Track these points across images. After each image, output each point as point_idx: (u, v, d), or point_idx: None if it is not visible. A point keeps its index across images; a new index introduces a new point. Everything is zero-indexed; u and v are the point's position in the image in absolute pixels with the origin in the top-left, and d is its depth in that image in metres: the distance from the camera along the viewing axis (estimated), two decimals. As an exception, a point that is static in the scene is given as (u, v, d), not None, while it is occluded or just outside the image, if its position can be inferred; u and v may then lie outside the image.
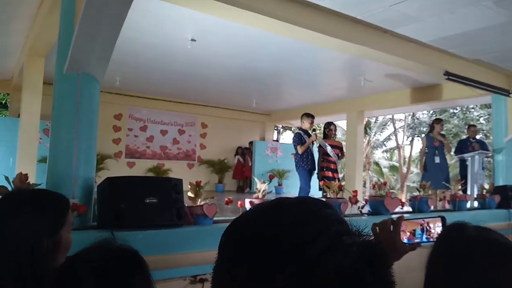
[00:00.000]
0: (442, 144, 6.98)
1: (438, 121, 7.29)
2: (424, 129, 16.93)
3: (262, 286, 0.37)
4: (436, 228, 1.17)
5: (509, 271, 0.79)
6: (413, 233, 1.18)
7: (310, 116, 6.07)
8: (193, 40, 5.61)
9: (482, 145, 7.15)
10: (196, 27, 5.30)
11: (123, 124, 10.48)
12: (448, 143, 7.13)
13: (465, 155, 6.21)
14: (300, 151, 5.86)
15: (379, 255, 0.41)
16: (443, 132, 7.32)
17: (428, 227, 1.17)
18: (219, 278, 0.43)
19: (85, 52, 2.36)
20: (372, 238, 0.42)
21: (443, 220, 1.17)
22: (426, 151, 7.11)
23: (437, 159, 6.91)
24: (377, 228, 1.19)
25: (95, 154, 2.84)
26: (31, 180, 2.35)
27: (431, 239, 1.16)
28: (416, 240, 1.18)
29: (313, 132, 6.14)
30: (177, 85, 8.95)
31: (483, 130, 14.39)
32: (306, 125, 6.02)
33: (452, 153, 7.52)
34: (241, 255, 0.41)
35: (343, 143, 7.98)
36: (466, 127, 8.48)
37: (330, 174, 6.01)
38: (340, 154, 6.27)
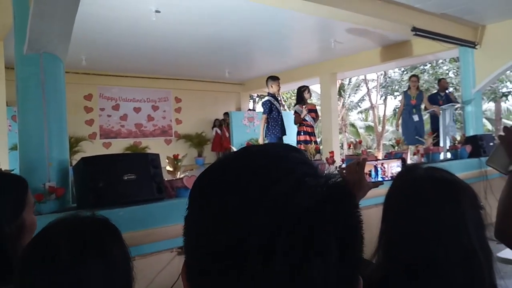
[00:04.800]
0: (419, 102, 7.14)
1: (410, 77, 7.44)
2: (397, 87, 17.19)
3: (228, 227, 0.38)
4: (393, 168, 1.32)
5: (454, 205, 0.86)
6: (369, 173, 1.33)
7: (276, 78, 5.94)
8: (157, 11, 5.45)
9: (451, 98, 7.34)
10: (159, -2, 5.14)
11: (94, 105, 10.23)
12: (427, 102, 7.27)
13: (434, 108, 6.37)
14: (263, 120, 5.79)
15: (344, 194, 0.42)
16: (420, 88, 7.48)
17: (382, 168, 1.32)
18: (188, 224, 0.43)
19: (44, 31, 2.26)
20: (339, 179, 0.43)
21: (403, 160, 1.32)
22: (403, 109, 7.28)
23: (415, 117, 7.08)
24: (344, 171, 1.33)
25: (67, 135, 2.78)
26: (4, 168, 2.30)
27: (387, 178, 1.31)
28: (372, 179, 1.33)
29: (281, 101, 6.06)
30: (146, 60, 8.74)
31: (453, 84, 14.70)
32: (274, 88, 5.90)
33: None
34: (209, 200, 0.41)
35: (318, 107, 8.04)
36: (436, 82, 8.65)
37: (307, 137, 6.08)
38: (315, 117, 6.33)
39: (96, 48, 7.37)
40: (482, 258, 0.83)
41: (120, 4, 5.24)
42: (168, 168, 3.06)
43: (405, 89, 8.00)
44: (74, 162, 2.86)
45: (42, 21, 2.22)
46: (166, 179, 2.84)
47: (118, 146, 10.43)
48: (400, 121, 7.51)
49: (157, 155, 2.78)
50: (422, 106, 7.37)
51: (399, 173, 1.01)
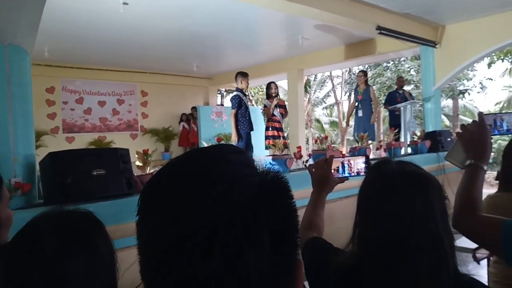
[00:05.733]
0: (366, 98, 7.37)
1: (359, 73, 7.67)
2: (361, 84, 17.59)
3: (171, 227, 0.43)
4: (358, 164, 1.44)
5: (423, 196, 0.93)
6: (336, 169, 1.44)
7: (245, 74, 6.01)
8: (125, 3, 5.33)
9: (410, 95, 7.65)
10: (127, -10, 5.05)
11: (57, 98, 9.88)
12: (375, 97, 7.56)
13: (397, 105, 6.61)
14: (232, 116, 5.84)
15: (277, 189, 0.48)
16: (370, 84, 7.70)
17: (349, 164, 1.43)
18: (139, 225, 0.48)
19: (10, 22, 2.19)
20: (275, 174, 0.48)
21: (366, 157, 1.44)
22: (356, 105, 7.51)
23: (359, 113, 7.31)
24: (312, 168, 1.42)
25: (33, 129, 2.72)
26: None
27: (353, 174, 1.44)
28: (339, 175, 1.44)
29: (249, 97, 6.12)
30: (112, 52, 8.52)
31: (414, 81, 15.21)
32: (243, 84, 5.96)
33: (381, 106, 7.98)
34: (156, 202, 0.46)
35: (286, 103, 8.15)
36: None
37: (275, 133, 6.17)
38: (284, 113, 6.43)
39: (60, 39, 7.13)
40: (447, 243, 0.90)
41: (86, -5, 5.11)
42: (138, 163, 3.05)
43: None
44: (36, 157, 2.80)
45: (10, 11, 2.16)
46: (136, 174, 2.83)
47: (81, 141, 10.14)
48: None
49: (127, 150, 2.77)
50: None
51: (372, 167, 1.06)
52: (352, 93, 7.94)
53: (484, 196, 1.43)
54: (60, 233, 0.84)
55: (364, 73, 7.91)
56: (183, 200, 0.44)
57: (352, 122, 8.47)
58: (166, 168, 0.49)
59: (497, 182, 1.98)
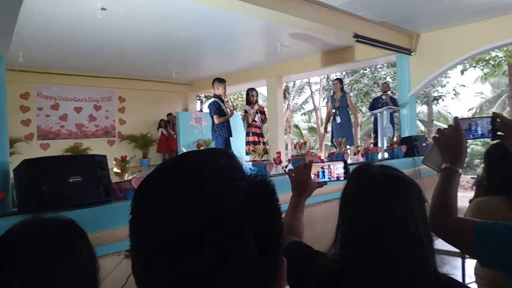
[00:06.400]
0: (343, 104, 7.50)
1: (335, 81, 7.79)
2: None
3: (163, 228, 0.45)
4: (338, 169, 1.47)
5: (404, 199, 0.96)
6: (317, 174, 1.46)
7: (222, 81, 6.04)
8: (103, 9, 5.27)
9: (393, 101, 7.80)
10: (105, -5, 4.99)
11: (31, 104, 9.67)
12: (351, 103, 7.73)
13: (374, 111, 6.73)
14: (216, 121, 5.87)
15: (263, 192, 0.50)
16: (347, 90, 7.84)
17: (329, 169, 1.46)
18: (132, 226, 0.50)
19: (-16, 26, 2.15)
20: (262, 178, 0.51)
21: (345, 162, 1.47)
22: (333, 111, 7.62)
23: (338, 119, 7.43)
24: (292, 173, 1.45)
25: (7, 136, 2.65)
26: None
27: (333, 178, 1.46)
28: (320, 180, 1.46)
29: (228, 103, 6.14)
30: (89, 58, 8.40)
31: (390, 88, 15.51)
32: (220, 90, 5.99)
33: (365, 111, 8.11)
34: (148, 204, 0.48)
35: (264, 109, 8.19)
36: (376, 86, 9.13)
37: (256, 138, 6.19)
38: (264, 119, 6.46)
39: (35, 44, 6.99)
40: (427, 245, 0.93)
41: (64, 0, 5.03)
42: (116, 169, 3.00)
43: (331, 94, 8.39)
44: (10, 165, 2.72)
45: (-18, 17, 2.11)
46: (113, 181, 2.78)
47: (57, 148, 9.93)
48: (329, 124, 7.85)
49: (104, 157, 2.72)
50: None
51: (354, 171, 1.08)
52: (329, 100, 8.02)
53: (462, 200, 1.47)
54: (40, 241, 0.82)
55: (340, 80, 8.05)
56: (174, 203, 0.45)
57: (329, 128, 8.58)
58: (159, 170, 0.52)
59: (475, 187, 2.01)
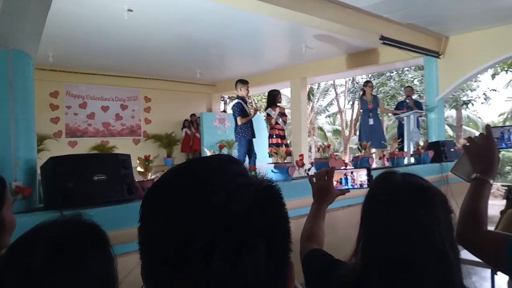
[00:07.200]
0: (375, 106, 7.38)
1: (366, 83, 7.66)
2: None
3: (175, 233, 0.46)
4: (361, 176, 1.43)
5: (428, 209, 0.92)
6: (339, 181, 1.44)
7: (245, 82, 6.06)
8: (130, 10, 5.38)
9: (417, 105, 7.63)
10: (132, -3, 5.08)
11: (60, 102, 9.95)
12: (383, 106, 7.60)
13: (401, 115, 6.60)
14: (240, 123, 5.89)
15: (271, 198, 0.51)
16: (374, 93, 7.71)
17: (352, 176, 1.43)
18: (142, 230, 0.50)
19: (15, 27, 2.20)
20: (268, 184, 0.52)
21: (368, 170, 1.43)
22: (361, 113, 7.49)
23: (371, 121, 7.31)
24: (313, 178, 1.41)
25: (35, 134, 2.72)
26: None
27: (356, 186, 1.43)
28: (343, 187, 1.43)
29: (251, 104, 6.15)
30: (116, 58, 8.57)
31: (417, 91, 15.21)
32: (243, 92, 6.01)
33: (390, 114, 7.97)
34: (159, 209, 0.49)
35: (287, 111, 8.16)
36: (403, 88, 8.96)
37: (279, 140, 6.17)
38: (285, 120, 6.44)
39: (64, 45, 7.19)
40: (452, 257, 0.89)
41: (93, 2, 5.15)
42: (139, 169, 3.04)
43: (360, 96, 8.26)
44: (38, 161, 2.80)
45: (14, 17, 2.17)
46: (136, 180, 2.82)
47: (84, 145, 10.18)
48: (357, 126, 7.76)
49: (128, 156, 2.76)
50: (379, 111, 7.62)
51: (377, 179, 1.05)
52: (357, 102, 7.91)
53: (491, 208, 1.40)
54: (52, 248, 0.81)
55: (372, 83, 7.95)
56: (185, 208, 0.46)
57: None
58: (168, 176, 0.52)
59: (507, 197, 1.93)
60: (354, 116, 19.28)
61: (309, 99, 17.15)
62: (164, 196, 0.50)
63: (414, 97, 7.89)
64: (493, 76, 12.53)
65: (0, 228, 1.12)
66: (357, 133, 7.82)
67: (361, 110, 7.52)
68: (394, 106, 8.38)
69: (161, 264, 0.47)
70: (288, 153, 4.01)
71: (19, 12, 2.17)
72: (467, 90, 15.17)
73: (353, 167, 4.59)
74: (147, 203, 0.51)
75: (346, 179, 1.43)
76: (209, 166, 0.52)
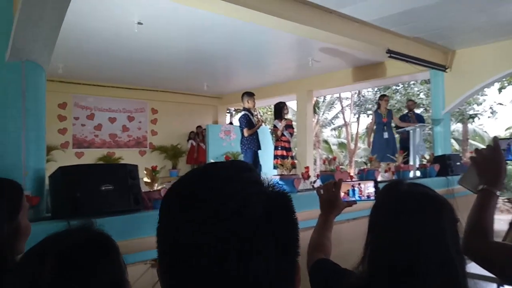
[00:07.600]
0: (390, 120, 7.38)
1: (382, 97, 7.66)
2: (370, 106, 17.61)
3: (190, 238, 0.48)
4: (368, 188, 1.45)
5: (435, 217, 0.93)
6: (347, 192, 1.45)
7: (251, 94, 6.14)
8: (139, 23, 5.47)
9: (418, 118, 7.62)
10: (142, 10, 5.17)
11: (68, 113, 10.04)
12: (397, 119, 7.61)
13: (406, 128, 6.59)
14: (246, 134, 5.94)
15: (281, 205, 0.54)
16: (389, 108, 7.71)
17: (360, 188, 1.45)
18: (159, 234, 0.54)
19: (29, 39, 2.25)
20: (279, 190, 0.55)
21: (375, 182, 1.47)
22: (375, 127, 7.48)
23: (385, 135, 7.29)
24: (321, 190, 1.42)
25: (45, 144, 2.75)
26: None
27: (363, 197, 1.45)
28: (351, 198, 1.45)
29: (257, 116, 6.19)
30: (124, 70, 8.68)
31: (423, 105, 15.19)
32: (249, 104, 6.09)
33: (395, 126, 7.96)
34: (174, 215, 0.52)
35: (293, 123, 8.17)
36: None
37: (284, 152, 6.19)
38: (292, 132, 6.47)
39: (74, 56, 7.29)
40: (458, 266, 0.90)
41: (103, 15, 5.25)
42: (146, 179, 3.06)
43: (374, 109, 8.25)
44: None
45: (27, 29, 2.22)
46: (143, 191, 2.83)
47: (90, 156, 10.23)
48: (371, 139, 7.72)
49: (136, 166, 2.78)
50: (393, 124, 7.62)
51: (384, 188, 1.06)
52: (374, 115, 7.90)
53: (497, 223, 1.40)
54: (61, 259, 0.81)
55: (387, 96, 7.96)
56: (200, 215, 0.49)
57: (360, 144, 8.44)
58: (184, 182, 0.56)
59: None
60: (360, 130, 19.33)
61: (314, 112, 17.19)
62: (180, 200, 0.53)
63: (420, 110, 7.89)
64: (499, 90, 12.51)
65: (16, 233, 1.14)
66: (365, 145, 7.80)
67: (375, 124, 7.51)
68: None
69: (177, 264, 0.50)
70: (294, 165, 4.01)
71: (34, 23, 2.21)
72: (473, 104, 15.12)
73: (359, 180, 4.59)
74: (163, 207, 0.54)
75: (354, 190, 1.44)
76: (223, 173, 0.55)
